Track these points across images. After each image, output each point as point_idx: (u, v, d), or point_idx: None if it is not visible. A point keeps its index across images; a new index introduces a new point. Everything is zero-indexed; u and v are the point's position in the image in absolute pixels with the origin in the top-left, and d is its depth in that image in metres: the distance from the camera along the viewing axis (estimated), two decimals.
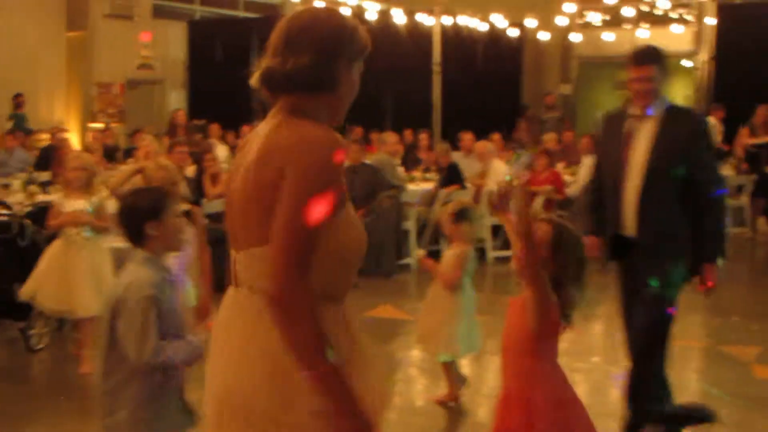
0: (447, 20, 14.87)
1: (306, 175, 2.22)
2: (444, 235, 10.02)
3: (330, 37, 2.36)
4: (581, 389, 5.53)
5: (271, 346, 2.28)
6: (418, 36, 14.97)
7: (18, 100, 15.07)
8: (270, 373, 2.31)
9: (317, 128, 2.30)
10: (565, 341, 3.64)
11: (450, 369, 5.65)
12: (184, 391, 3.40)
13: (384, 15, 14.72)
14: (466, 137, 12.05)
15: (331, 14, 2.42)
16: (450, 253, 5.68)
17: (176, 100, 18.01)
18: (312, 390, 2.23)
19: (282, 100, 2.38)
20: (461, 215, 5.58)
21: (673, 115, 4.55)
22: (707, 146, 4.62)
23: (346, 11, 14.42)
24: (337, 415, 2.24)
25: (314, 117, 2.34)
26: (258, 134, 2.41)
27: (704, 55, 15.45)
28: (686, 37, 15.98)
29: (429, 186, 11.14)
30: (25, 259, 6.27)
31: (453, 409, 5.66)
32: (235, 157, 2.56)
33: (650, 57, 4.55)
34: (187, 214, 4.44)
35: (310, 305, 2.22)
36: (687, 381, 6.11)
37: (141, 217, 3.28)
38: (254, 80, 2.40)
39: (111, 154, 12.19)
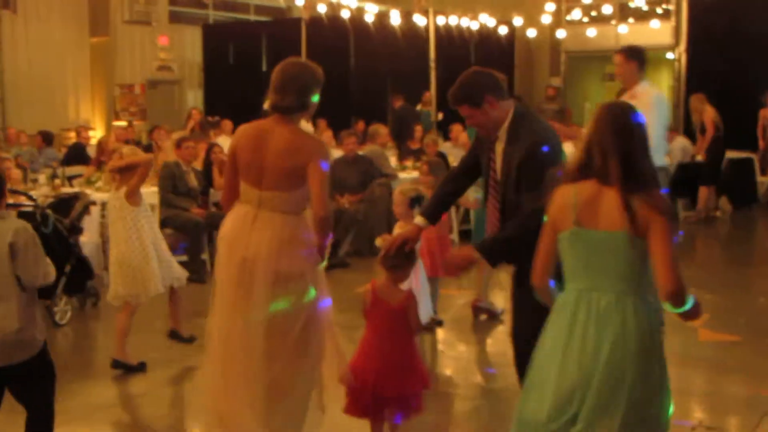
0: (440, 20, 14.77)
1: (321, 160, 4.03)
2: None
3: (306, 82, 4.09)
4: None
5: (286, 234, 4.05)
6: (414, 36, 14.82)
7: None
8: (284, 246, 4.06)
9: (315, 138, 4.43)
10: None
11: None
12: None
13: (382, 16, 14.69)
14: (455, 128, 11.93)
15: (306, 65, 4.19)
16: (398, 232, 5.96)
17: (193, 99, 18.20)
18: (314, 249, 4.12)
19: (278, 115, 4.09)
20: (415, 201, 5.85)
21: (515, 133, 4.30)
22: (537, 164, 4.16)
23: (345, 13, 14.63)
24: (320, 249, 4.13)
25: (297, 124, 4.15)
26: (270, 131, 4.09)
27: (681, 47, 15.49)
28: (665, 30, 15.82)
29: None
30: (48, 245, 6.60)
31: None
32: (250, 141, 4.14)
33: (458, 99, 4.29)
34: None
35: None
36: None
37: None
38: (267, 105, 4.08)
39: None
